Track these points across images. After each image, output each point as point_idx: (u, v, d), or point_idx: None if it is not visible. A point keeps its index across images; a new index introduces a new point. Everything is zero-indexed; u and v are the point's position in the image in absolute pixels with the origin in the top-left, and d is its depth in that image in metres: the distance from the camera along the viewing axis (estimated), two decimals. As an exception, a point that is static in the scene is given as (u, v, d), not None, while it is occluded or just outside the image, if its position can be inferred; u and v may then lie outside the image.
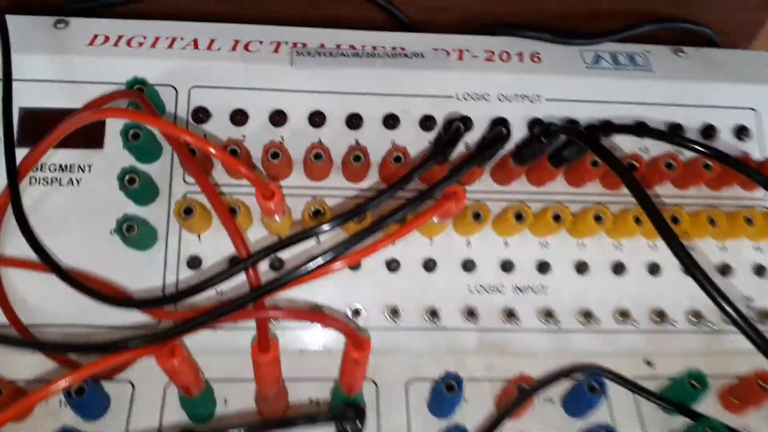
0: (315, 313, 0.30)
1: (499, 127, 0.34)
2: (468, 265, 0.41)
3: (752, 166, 0.36)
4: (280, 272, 0.29)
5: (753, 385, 0.38)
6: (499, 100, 0.44)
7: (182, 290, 0.30)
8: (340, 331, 0.30)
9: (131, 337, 0.28)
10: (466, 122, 0.39)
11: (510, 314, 0.41)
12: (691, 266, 0.29)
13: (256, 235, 0.39)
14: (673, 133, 0.38)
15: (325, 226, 0.33)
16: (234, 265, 0.31)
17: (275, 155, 0.38)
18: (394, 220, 0.32)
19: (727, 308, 0.28)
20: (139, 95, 0.37)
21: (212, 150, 0.29)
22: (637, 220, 0.40)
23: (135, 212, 0.39)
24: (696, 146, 0.36)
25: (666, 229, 0.29)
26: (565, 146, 0.38)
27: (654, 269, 0.42)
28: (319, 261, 0.30)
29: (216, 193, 0.33)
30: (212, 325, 0.27)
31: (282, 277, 0.28)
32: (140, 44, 0.42)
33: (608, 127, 0.36)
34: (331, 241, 0.39)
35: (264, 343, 0.30)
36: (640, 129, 0.41)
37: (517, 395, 0.36)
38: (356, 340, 0.31)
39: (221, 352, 0.38)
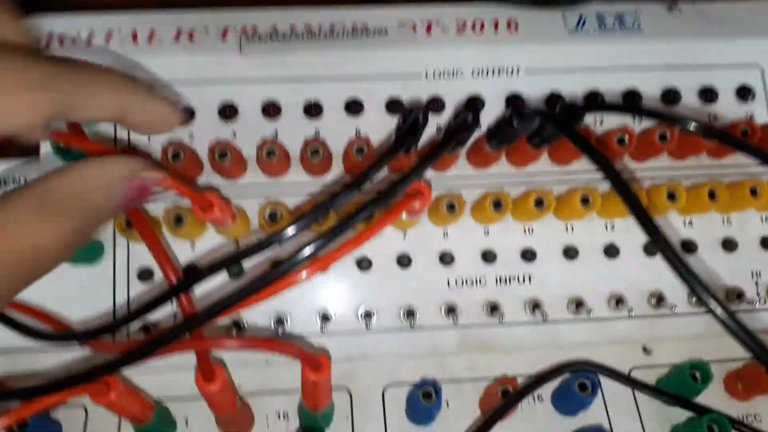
0: (262, 341, 0.27)
1: (465, 113, 0.30)
2: (446, 258, 0.38)
3: (750, 144, 0.32)
4: (232, 287, 0.26)
5: (759, 371, 0.35)
6: (474, 76, 0.40)
7: (118, 320, 0.27)
8: (293, 356, 0.27)
9: (52, 381, 0.25)
10: (428, 110, 0.35)
11: (493, 308, 0.38)
12: (664, 247, 0.26)
13: (213, 242, 0.37)
14: (662, 113, 0.34)
15: (290, 230, 0.29)
16: (179, 284, 0.27)
17: (223, 155, 0.35)
18: (358, 221, 0.28)
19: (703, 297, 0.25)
20: None
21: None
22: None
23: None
24: (683, 124, 0.32)
25: (640, 211, 0.26)
26: (543, 127, 0.34)
27: (650, 250, 0.39)
28: (280, 271, 0.27)
29: (136, 210, 0.30)
30: (145, 361, 0.24)
31: (222, 301, 0.25)
32: (73, 41, 0.39)
33: (590, 104, 0.32)
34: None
35: (207, 372, 0.27)
36: (626, 106, 0.37)
37: (502, 401, 0.33)
38: (312, 362, 0.28)
39: (177, 369, 0.35)
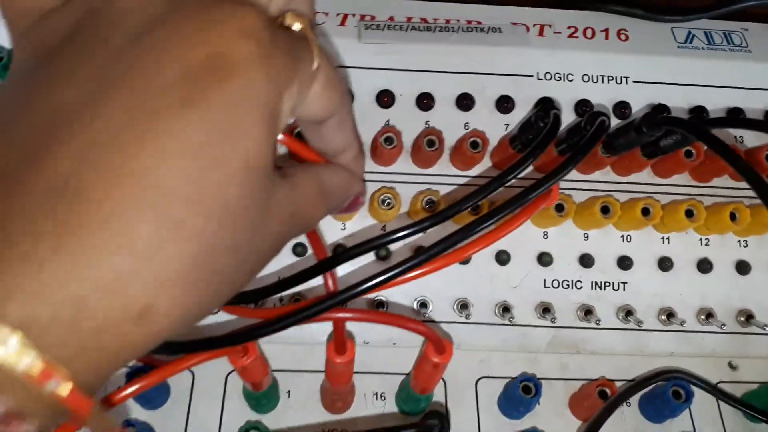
0: (396, 317, 0.27)
1: (601, 116, 0.31)
2: (544, 259, 0.39)
3: None
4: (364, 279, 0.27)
5: None
6: (584, 80, 0.41)
7: (259, 289, 0.28)
8: (422, 335, 0.28)
9: (212, 338, 0.26)
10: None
11: (588, 312, 0.38)
12: None
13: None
14: None
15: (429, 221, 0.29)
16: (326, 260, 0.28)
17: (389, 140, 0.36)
18: (503, 215, 0.29)
19: None
20: None
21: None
22: (732, 216, 0.37)
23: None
24: None
25: None
26: (664, 136, 0.34)
27: (743, 268, 0.39)
28: (418, 259, 0.28)
29: None
30: (289, 327, 0.25)
31: (362, 282, 0.26)
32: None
33: (726, 119, 0.33)
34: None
35: (341, 345, 0.28)
36: (753, 122, 0.37)
37: (605, 403, 0.34)
38: (439, 344, 0.29)
39: (286, 342, 0.36)
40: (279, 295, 0.34)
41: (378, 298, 0.37)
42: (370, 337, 0.37)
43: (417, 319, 0.32)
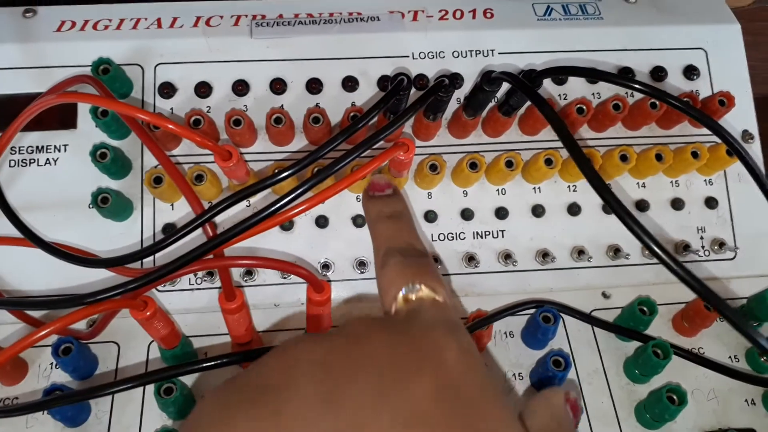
0: (274, 261, 0.32)
1: (442, 77, 0.36)
2: (430, 216, 0.44)
3: (684, 100, 0.38)
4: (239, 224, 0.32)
5: (700, 308, 0.40)
6: (454, 56, 0.46)
7: (144, 248, 0.33)
8: (299, 275, 0.32)
9: (99, 290, 0.30)
10: (409, 78, 0.40)
11: (471, 258, 0.43)
12: (615, 207, 0.31)
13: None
14: (596, 70, 0.40)
15: (287, 172, 0.35)
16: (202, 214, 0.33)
17: (237, 122, 0.40)
18: (346, 163, 0.34)
19: (648, 243, 0.30)
20: (94, 79, 0.40)
21: (170, 125, 0.31)
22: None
23: (112, 186, 0.42)
24: (620, 81, 0.38)
25: (590, 170, 0.31)
26: (510, 94, 0.40)
27: (607, 208, 0.44)
28: (280, 203, 0.32)
29: (168, 161, 0.36)
30: (175, 276, 0.30)
31: (238, 225, 0.31)
32: (106, 27, 0.44)
33: (547, 70, 0.38)
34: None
35: (229, 292, 0.33)
36: (569, 69, 0.43)
37: (471, 325, 0.39)
38: (316, 284, 0.33)
39: (198, 311, 0.41)
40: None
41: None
42: (280, 299, 0.42)
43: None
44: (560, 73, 0.42)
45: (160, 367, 0.37)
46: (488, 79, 0.37)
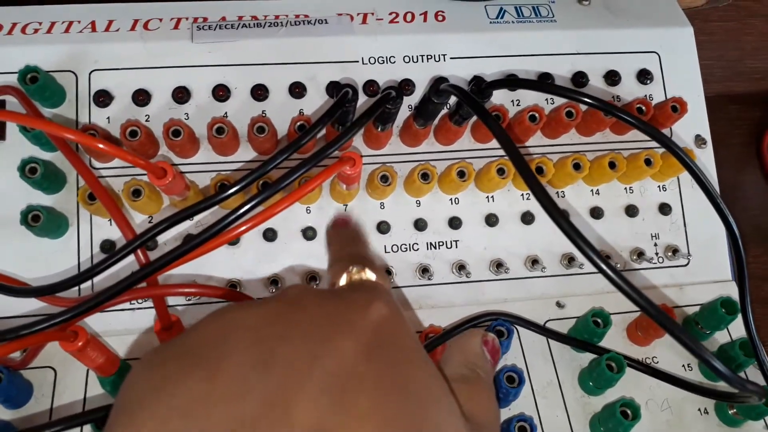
0: (211, 288, 0.31)
1: (389, 89, 0.35)
2: (383, 227, 0.42)
3: (630, 114, 0.37)
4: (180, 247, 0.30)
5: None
6: (405, 61, 0.45)
7: (72, 277, 0.31)
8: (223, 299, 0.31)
9: (25, 324, 0.28)
10: (355, 89, 0.39)
11: (425, 270, 0.42)
12: (556, 216, 0.30)
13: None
14: (544, 83, 0.40)
15: (234, 188, 0.33)
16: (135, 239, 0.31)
17: (176, 133, 0.39)
18: (293, 179, 0.33)
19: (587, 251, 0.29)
20: (18, 91, 0.37)
21: (99, 145, 0.29)
22: (539, 170, 0.41)
23: (45, 201, 0.39)
24: (565, 93, 0.38)
25: (531, 178, 0.30)
26: (460, 105, 0.38)
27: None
28: (226, 221, 0.31)
29: (97, 183, 0.34)
30: (105, 307, 0.28)
31: (180, 247, 0.29)
32: (36, 30, 0.42)
33: (496, 82, 0.37)
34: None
35: (164, 320, 0.31)
36: (517, 81, 0.42)
37: (427, 344, 0.38)
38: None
39: (138, 332, 0.39)
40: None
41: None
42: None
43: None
44: (508, 86, 0.41)
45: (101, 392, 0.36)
46: (436, 91, 0.36)
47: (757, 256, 0.60)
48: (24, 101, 0.37)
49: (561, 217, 0.29)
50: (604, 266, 0.29)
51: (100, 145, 0.29)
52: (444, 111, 0.42)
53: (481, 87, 0.36)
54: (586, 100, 0.36)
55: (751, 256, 0.60)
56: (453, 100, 0.42)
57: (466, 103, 0.34)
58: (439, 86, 0.36)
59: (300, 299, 0.27)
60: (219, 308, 0.27)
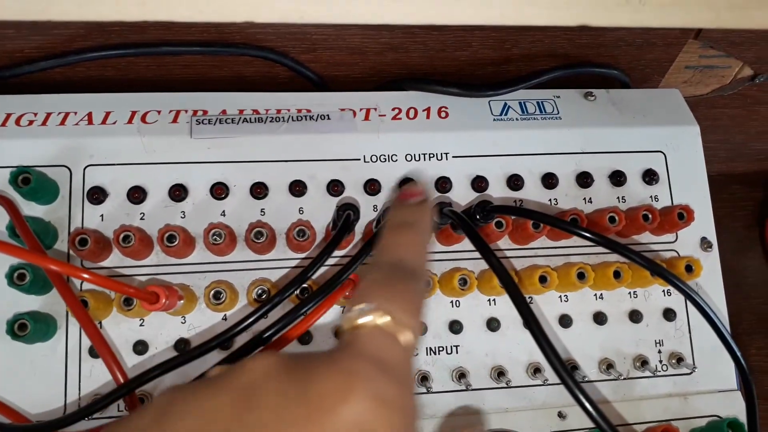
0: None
1: (347, 211, 0.35)
2: (380, 331, 0.41)
3: (635, 252, 0.38)
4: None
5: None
6: (407, 160, 0.44)
7: (57, 420, 0.29)
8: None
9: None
10: (357, 209, 0.39)
11: (423, 378, 0.41)
12: (531, 322, 0.32)
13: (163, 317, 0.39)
14: (547, 216, 0.40)
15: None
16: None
17: (171, 239, 0.37)
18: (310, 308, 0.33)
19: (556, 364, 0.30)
20: (6, 200, 0.36)
21: (84, 275, 0.28)
22: (543, 279, 0.41)
23: (32, 304, 0.38)
24: (569, 229, 0.39)
25: (512, 287, 0.32)
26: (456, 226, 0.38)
27: (564, 321, 0.43)
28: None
29: (75, 301, 0.33)
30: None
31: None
32: (30, 122, 0.41)
33: (497, 208, 0.38)
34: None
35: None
36: (518, 210, 0.42)
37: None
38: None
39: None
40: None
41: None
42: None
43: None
44: (510, 213, 0.41)
45: None
46: (438, 213, 0.36)
47: (761, 348, 0.59)
48: (11, 211, 0.35)
49: (534, 325, 0.32)
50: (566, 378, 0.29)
51: (85, 275, 0.28)
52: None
53: (486, 209, 0.36)
54: (585, 235, 0.37)
55: (755, 348, 0.59)
56: (455, 202, 0.42)
57: (464, 230, 0.34)
58: (441, 209, 0.35)
59: (256, 388, 0.22)
60: (170, 388, 0.24)
